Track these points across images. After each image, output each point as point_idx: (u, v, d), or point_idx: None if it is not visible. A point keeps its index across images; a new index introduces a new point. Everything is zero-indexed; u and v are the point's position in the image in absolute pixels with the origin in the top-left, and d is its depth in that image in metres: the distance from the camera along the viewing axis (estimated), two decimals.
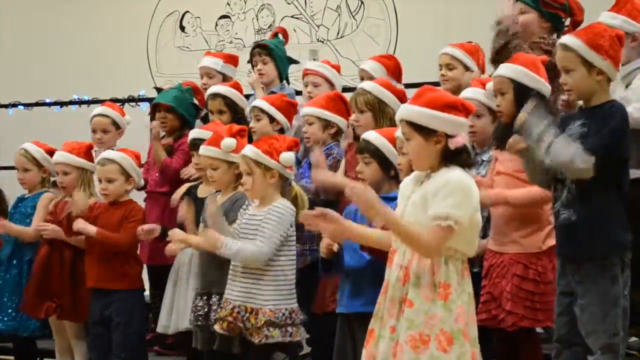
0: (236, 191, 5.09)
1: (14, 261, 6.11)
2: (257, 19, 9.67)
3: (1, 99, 8.92)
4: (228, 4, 9.81)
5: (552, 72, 4.62)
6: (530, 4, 5.67)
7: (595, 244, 4.03)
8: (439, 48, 6.04)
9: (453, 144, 3.76)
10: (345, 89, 6.34)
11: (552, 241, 4.48)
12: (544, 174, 4.17)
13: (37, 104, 8.67)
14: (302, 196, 4.90)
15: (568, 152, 3.96)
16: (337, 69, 6.44)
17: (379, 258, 4.05)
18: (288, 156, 4.77)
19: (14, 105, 8.74)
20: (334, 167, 5.41)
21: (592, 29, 4.14)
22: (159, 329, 5.73)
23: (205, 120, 6.53)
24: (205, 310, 5.04)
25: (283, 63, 6.64)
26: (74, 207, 5.65)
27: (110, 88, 8.28)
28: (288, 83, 6.78)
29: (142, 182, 6.03)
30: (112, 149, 5.96)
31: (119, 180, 5.62)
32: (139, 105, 8.09)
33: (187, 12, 9.97)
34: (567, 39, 4.13)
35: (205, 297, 5.06)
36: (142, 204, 6.18)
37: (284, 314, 4.68)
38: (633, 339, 5.22)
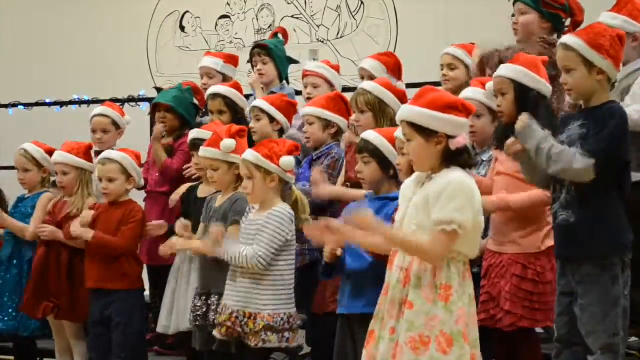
0: (236, 192, 5.09)
1: (15, 261, 6.11)
2: (257, 19, 9.67)
3: (1, 99, 8.91)
4: (228, 4, 9.81)
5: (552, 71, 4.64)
6: (530, 4, 5.67)
7: (595, 244, 4.03)
8: (439, 48, 6.05)
9: (454, 144, 3.76)
10: (345, 89, 6.34)
11: (551, 241, 4.48)
12: (543, 174, 4.17)
13: (37, 104, 8.67)
14: (303, 200, 4.90)
15: (567, 157, 3.96)
16: (337, 69, 6.44)
17: (380, 260, 4.05)
18: (288, 160, 4.77)
19: (14, 105, 8.73)
20: (332, 167, 5.42)
21: (593, 29, 4.14)
22: (160, 329, 5.73)
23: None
24: (204, 310, 5.04)
25: (283, 63, 6.64)
26: (81, 223, 5.66)
27: (110, 88, 8.28)
28: (288, 83, 6.77)
29: (143, 182, 6.03)
30: (112, 149, 5.96)
31: (119, 179, 5.62)
32: (139, 105, 8.09)
33: (187, 12, 9.97)
34: (568, 38, 4.13)
35: (204, 297, 5.07)
36: (142, 204, 6.18)
37: (282, 319, 4.68)
38: (633, 339, 5.21)
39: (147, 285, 6.18)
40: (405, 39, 8.93)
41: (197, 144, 5.40)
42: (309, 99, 6.13)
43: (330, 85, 6.21)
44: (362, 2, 9.22)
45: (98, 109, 6.57)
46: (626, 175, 4.13)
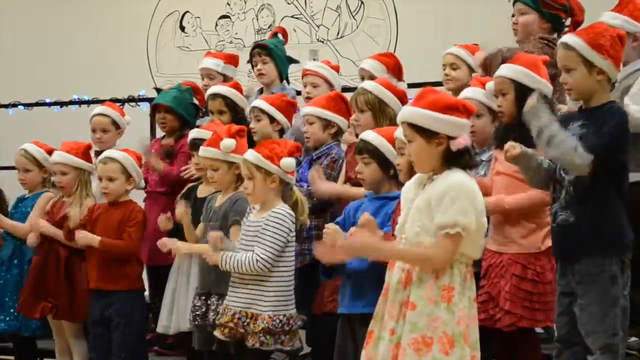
0: (236, 191, 5.09)
1: (15, 261, 6.12)
2: (257, 19, 9.67)
3: (1, 99, 8.91)
4: (228, 4, 9.81)
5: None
6: (530, 4, 5.67)
7: (594, 244, 4.03)
8: (439, 48, 6.05)
9: (455, 145, 3.75)
10: (345, 89, 6.34)
11: (550, 241, 4.48)
12: (542, 175, 4.17)
13: (37, 104, 8.66)
14: (303, 201, 4.90)
15: (569, 146, 3.95)
16: (337, 69, 6.44)
17: (380, 261, 4.06)
18: (289, 161, 4.77)
19: (14, 105, 8.73)
20: (331, 167, 5.42)
21: (593, 29, 4.14)
22: (160, 329, 5.73)
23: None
24: (203, 310, 5.04)
25: (283, 63, 6.63)
26: (71, 222, 5.66)
27: (110, 88, 8.28)
28: (288, 83, 6.77)
29: (143, 183, 6.04)
30: (112, 149, 5.96)
31: (119, 179, 5.62)
32: (139, 105, 8.08)
33: (187, 12, 9.97)
34: (568, 38, 4.13)
35: (204, 297, 5.07)
36: (142, 204, 6.18)
37: (281, 321, 4.68)
38: (633, 339, 5.21)
39: (146, 285, 6.18)
40: (405, 39, 8.93)
41: (197, 143, 5.40)
42: (308, 98, 6.14)
43: (330, 85, 6.22)
44: (362, 2, 9.22)
45: (98, 108, 6.58)
46: (623, 174, 4.13)
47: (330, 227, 4.38)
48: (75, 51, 10.11)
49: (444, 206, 3.69)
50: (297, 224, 4.81)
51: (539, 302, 4.55)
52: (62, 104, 8.58)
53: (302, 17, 9.45)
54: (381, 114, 5.18)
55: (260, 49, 6.60)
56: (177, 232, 5.38)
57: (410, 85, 6.03)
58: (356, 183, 4.95)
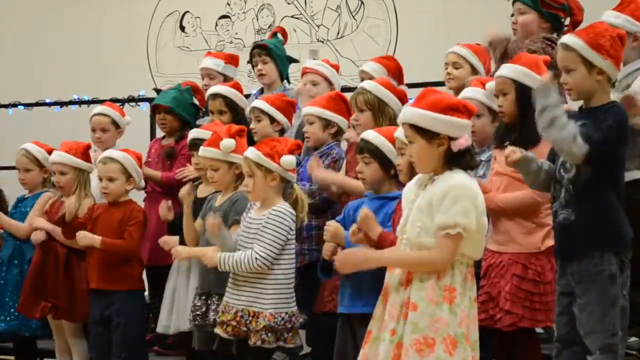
0: (236, 191, 5.09)
1: (15, 261, 6.11)
2: (257, 19, 9.67)
3: (1, 99, 8.91)
4: (228, 4, 9.81)
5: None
6: (529, 4, 5.67)
7: (594, 243, 4.03)
8: (439, 48, 6.05)
9: (456, 146, 3.76)
10: (345, 89, 6.34)
11: (551, 241, 4.48)
12: (543, 178, 4.18)
13: (37, 104, 8.66)
14: (303, 199, 4.90)
15: (569, 133, 3.95)
16: (337, 68, 6.44)
17: None
18: (289, 159, 4.77)
19: (14, 105, 8.72)
20: (332, 167, 5.41)
21: (593, 29, 4.14)
22: (159, 329, 5.73)
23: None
24: (204, 310, 5.04)
25: (283, 62, 6.63)
26: (66, 212, 5.66)
27: (110, 88, 8.28)
28: (289, 82, 6.77)
29: (143, 183, 6.03)
30: (112, 149, 5.96)
31: (119, 179, 5.62)
32: (139, 105, 8.08)
33: (187, 12, 9.97)
34: (568, 38, 4.13)
35: (204, 297, 5.07)
36: (142, 204, 6.18)
37: (282, 318, 4.67)
38: (633, 339, 5.21)
39: (146, 286, 6.18)
40: (405, 39, 8.93)
41: (196, 144, 5.40)
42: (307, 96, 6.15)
43: (330, 83, 6.22)
44: (362, 2, 9.22)
45: (98, 108, 6.57)
46: (622, 173, 4.13)
47: (332, 225, 4.39)
48: (75, 51, 10.11)
49: (444, 206, 3.69)
50: (297, 221, 4.81)
51: (539, 302, 4.55)
52: (62, 104, 8.58)
53: (302, 17, 9.46)
54: (381, 114, 5.17)
55: (260, 49, 6.60)
56: (179, 229, 5.38)
57: (410, 86, 6.03)
58: None
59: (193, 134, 5.63)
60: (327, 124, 5.49)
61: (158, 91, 7.05)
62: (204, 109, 6.57)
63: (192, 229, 5.27)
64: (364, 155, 4.57)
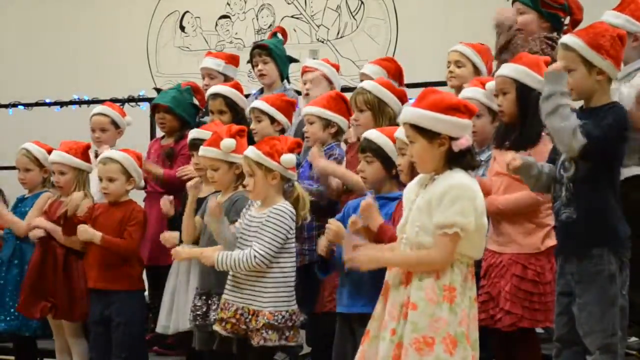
0: (236, 191, 5.09)
1: (15, 261, 6.11)
2: (257, 19, 9.67)
3: (1, 99, 8.91)
4: (228, 4, 9.81)
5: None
6: (529, 4, 5.68)
7: (594, 242, 4.03)
8: (439, 48, 6.05)
9: (457, 146, 3.76)
10: (345, 89, 6.34)
11: (550, 241, 4.49)
12: (544, 181, 4.18)
13: (37, 104, 8.67)
14: (304, 197, 4.89)
15: (570, 124, 3.95)
16: (337, 68, 6.44)
17: None
18: (289, 158, 4.76)
19: (14, 105, 8.73)
20: None
21: (593, 29, 4.14)
22: (159, 329, 5.72)
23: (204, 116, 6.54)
24: (204, 310, 5.04)
25: (283, 63, 6.64)
26: (69, 205, 5.64)
27: (110, 88, 8.28)
28: (289, 82, 6.78)
29: (143, 183, 6.03)
30: (111, 149, 5.96)
31: (120, 179, 5.61)
32: (139, 105, 8.08)
33: (187, 12, 9.98)
34: (568, 38, 4.13)
35: (205, 297, 5.07)
36: (142, 204, 6.18)
37: (283, 317, 4.67)
38: (633, 339, 5.22)
39: (146, 286, 6.18)
40: (405, 39, 8.94)
41: (196, 144, 5.40)
42: (307, 95, 6.15)
43: (330, 82, 6.22)
44: (362, 2, 9.23)
45: (97, 107, 6.57)
46: (618, 171, 4.14)
47: (333, 224, 4.38)
48: (75, 51, 10.11)
49: (443, 206, 3.70)
50: (299, 219, 4.81)
51: (539, 302, 4.55)
52: (62, 104, 8.58)
53: (302, 17, 9.46)
54: (381, 114, 5.18)
55: (261, 50, 6.60)
56: (179, 228, 5.38)
57: (410, 86, 6.03)
58: None
59: (193, 134, 5.63)
60: (327, 123, 5.49)
61: (158, 91, 7.06)
62: (203, 109, 6.57)
63: (192, 225, 5.27)
64: (366, 154, 4.57)
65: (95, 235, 5.50)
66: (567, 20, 5.77)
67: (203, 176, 5.41)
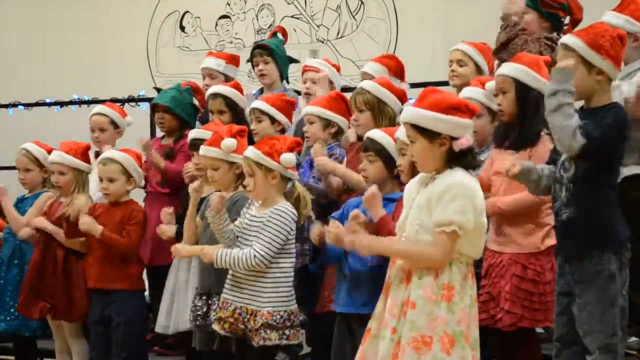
0: (236, 191, 5.09)
1: (15, 261, 6.11)
2: (257, 19, 9.67)
3: (1, 99, 8.92)
4: (228, 4, 9.82)
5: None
6: (529, 4, 5.69)
7: (594, 242, 4.03)
8: (439, 48, 6.06)
9: (457, 146, 3.76)
10: (345, 89, 6.35)
11: (550, 241, 4.49)
12: (544, 184, 4.18)
13: (37, 104, 8.67)
14: (305, 197, 4.89)
15: (571, 124, 3.94)
16: (337, 68, 6.44)
17: (382, 262, 4.07)
18: (289, 157, 4.76)
19: (14, 105, 8.73)
20: None
21: (593, 29, 4.14)
22: (158, 329, 5.73)
23: (203, 121, 6.53)
24: (204, 310, 5.04)
25: (284, 63, 6.64)
26: (71, 209, 5.64)
27: (110, 88, 8.29)
28: (288, 82, 6.78)
29: (143, 183, 6.03)
30: (111, 149, 5.95)
31: (120, 180, 5.61)
32: (139, 105, 8.09)
33: (187, 12, 9.98)
34: (568, 38, 4.13)
35: (205, 297, 5.06)
36: (142, 203, 6.18)
37: (282, 317, 4.67)
38: (633, 339, 5.22)
39: (146, 285, 6.18)
40: (405, 39, 8.94)
41: (196, 144, 5.40)
42: (307, 94, 6.15)
43: (330, 82, 6.22)
44: (362, 2, 9.23)
45: (97, 107, 6.57)
46: (617, 172, 4.14)
47: (334, 226, 4.36)
48: (75, 51, 10.12)
49: (442, 204, 3.70)
50: (301, 218, 4.81)
51: (539, 302, 4.56)
52: (62, 104, 8.59)
53: (302, 17, 9.46)
54: (380, 114, 5.18)
55: (262, 50, 6.61)
56: (180, 228, 5.39)
57: (411, 86, 6.03)
58: None
59: (193, 134, 5.63)
60: (327, 123, 5.49)
61: (158, 90, 7.07)
62: (203, 110, 6.57)
63: (193, 227, 5.27)
64: (369, 153, 4.57)
65: (97, 228, 5.48)
66: (567, 20, 5.78)
67: (203, 176, 5.41)
